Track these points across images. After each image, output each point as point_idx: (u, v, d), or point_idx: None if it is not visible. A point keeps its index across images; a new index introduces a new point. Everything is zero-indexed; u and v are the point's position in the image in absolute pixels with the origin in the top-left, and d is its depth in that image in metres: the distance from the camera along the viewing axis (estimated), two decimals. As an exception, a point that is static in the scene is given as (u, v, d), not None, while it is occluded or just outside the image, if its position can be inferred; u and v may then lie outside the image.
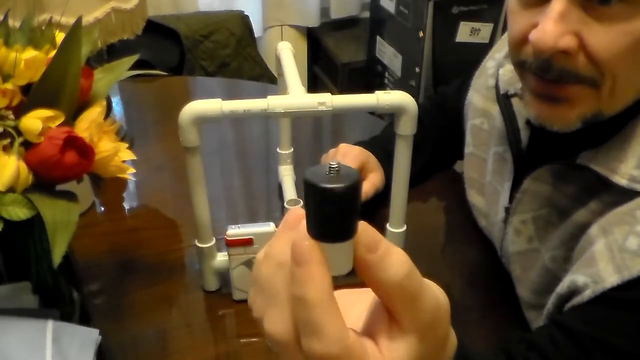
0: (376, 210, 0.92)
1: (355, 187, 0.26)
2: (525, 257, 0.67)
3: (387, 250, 0.28)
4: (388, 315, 0.29)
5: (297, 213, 0.30)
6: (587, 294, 0.53)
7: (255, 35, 1.92)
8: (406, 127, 0.67)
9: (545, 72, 0.53)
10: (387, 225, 0.75)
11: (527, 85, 0.58)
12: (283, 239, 0.30)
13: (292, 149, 0.92)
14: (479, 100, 0.79)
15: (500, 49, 0.77)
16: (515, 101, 0.68)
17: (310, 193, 0.26)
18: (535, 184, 0.64)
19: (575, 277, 0.54)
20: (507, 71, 0.71)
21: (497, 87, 0.72)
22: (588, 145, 0.57)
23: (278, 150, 0.92)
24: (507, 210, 0.69)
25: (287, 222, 0.31)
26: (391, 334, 0.29)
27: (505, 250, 0.71)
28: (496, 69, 0.74)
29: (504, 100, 0.70)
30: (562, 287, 0.56)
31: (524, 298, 0.68)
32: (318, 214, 0.27)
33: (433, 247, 0.86)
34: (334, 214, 0.26)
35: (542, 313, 0.62)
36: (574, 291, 0.55)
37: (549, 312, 0.59)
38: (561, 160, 0.60)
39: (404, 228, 0.75)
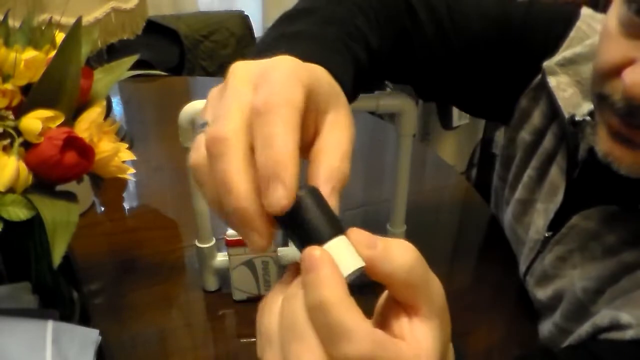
0: (376, 210, 0.92)
1: (309, 193, 0.29)
2: (563, 280, 0.63)
3: (386, 243, 0.28)
4: (402, 308, 0.29)
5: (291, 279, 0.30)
6: (629, 334, 0.51)
7: (255, 35, 1.92)
8: (406, 127, 0.67)
9: (631, 117, 0.47)
10: (387, 225, 0.75)
11: (604, 120, 0.50)
12: (279, 292, 0.30)
13: (292, 149, 0.92)
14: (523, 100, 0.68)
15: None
16: (579, 129, 0.60)
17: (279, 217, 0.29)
18: (584, 222, 0.60)
19: (619, 314, 0.52)
20: (564, 85, 0.61)
21: (554, 102, 0.62)
22: None
23: (278, 150, 0.92)
24: (547, 238, 0.65)
25: (282, 283, 0.31)
26: (412, 324, 0.29)
27: (539, 269, 0.67)
28: (544, 74, 0.63)
29: (569, 127, 0.60)
30: (602, 320, 0.54)
31: (553, 319, 0.65)
32: (294, 228, 0.29)
33: (433, 247, 0.86)
34: (308, 217, 0.29)
35: (563, 332, 0.61)
36: (615, 326, 0.53)
37: (580, 338, 0.57)
38: (620, 204, 0.56)
39: (404, 228, 0.75)
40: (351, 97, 0.48)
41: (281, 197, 0.28)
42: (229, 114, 0.30)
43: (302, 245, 0.29)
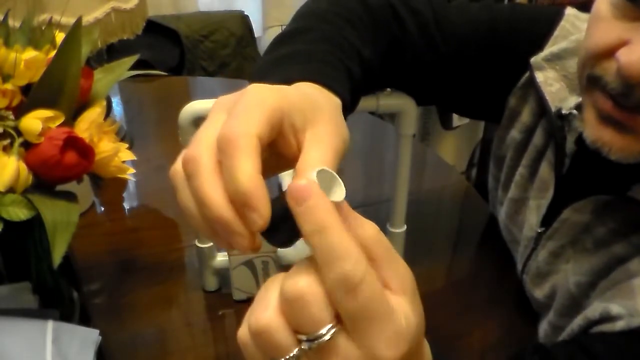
0: (376, 210, 0.92)
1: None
2: (557, 276, 0.63)
3: (357, 216, 0.31)
4: None
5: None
6: (619, 325, 0.50)
7: (255, 35, 1.92)
8: (406, 127, 0.67)
9: (624, 98, 0.46)
10: (387, 226, 0.75)
11: (593, 103, 0.50)
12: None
13: (292, 149, 0.92)
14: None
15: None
16: (565, 122, 0.60)
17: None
18: (576, 215, 0.60)
19: (609, 305, 0.52)
20: (551, 79, 0.62)
21: (542, 98, 0.62)
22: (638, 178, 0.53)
23: (278, 150, 0.92)
24: (540, 234, 0.65)
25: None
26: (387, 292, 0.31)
27: (534, 267, 0.67)
28: (531, 70, 0.64)
29: (557, 120, 0.60)
30: (593, 313, 0.54)
31: (548, 317, 0.65)
32: (276, 233, 0.32)
33: (433, 247, 0.86)
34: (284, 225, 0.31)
35: (557, 329, 0.61)
36: (605, 318, 0.52)
37: (573, 332, 0.57)
38: (610, 193, 0.56)
39: (404, 228, 0.75)
40: (349, 107, 0.50)
41: (255, 220, 0.31)
42: (202, 138, 0.33)
43: (287, 242, 0.32)
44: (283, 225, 0.31)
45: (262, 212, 0.30)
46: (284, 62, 0.50)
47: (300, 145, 0.35)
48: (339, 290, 0.28)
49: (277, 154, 0.37)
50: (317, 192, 0.29)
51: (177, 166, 0.34)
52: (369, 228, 0.31)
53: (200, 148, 0.32)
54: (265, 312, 0.30)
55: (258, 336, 0.30)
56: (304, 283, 0.29)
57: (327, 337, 0.29)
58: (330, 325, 0.29)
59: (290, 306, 0.29)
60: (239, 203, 0.31)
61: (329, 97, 0.44)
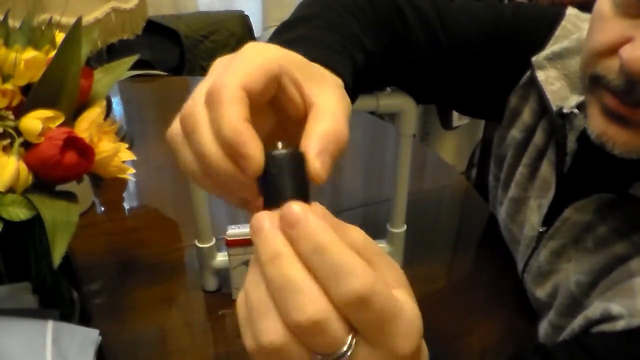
0: (376, 210, 0.92)
1: (284, 156, 0.31)
2: (559, 275, 0.63)
3: (341, 222, 0.31)
4: None
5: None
6: (620, 324, 0.51)
7: (255, 35, 1.92)
8: (406, 127, 0.67)
9: (627, 94, 0.47)
10: (387, 225, 0.75)
11: (597, 99, 0.51)
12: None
13: (292, 149, 0.92)
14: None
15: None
16: (567, 121, 0.61)
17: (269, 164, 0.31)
18: (577, 214, 0.60)
19: (609, 305, 0.52)
20: (553, 78, 0.63)
21: (543, 97, 0.62)
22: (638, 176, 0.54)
23: (278, 150, 0.92)
24: (541, 234, 0.65)
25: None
26: None
27: (535, 266, 0.67)
28: (532, 68, 0.64)
29: (558, 119, 0.61)
30: (594, 312, 0.54)
31: (548, 317, 0.65)
32: (265, 187, 0.31)
33: (433, 247, 0.86)
34: (274, 180, 0.31)
35: (557, 329, 0.61)
36: (606, 318, 0.53)
37: (574, 332, 0.57)
38: (612, 191, 0.56)
39: (404, 228, 0.75)
40: (351, 96, 0.49)
41: (246, 166, 0.30)
42: (197, 95, 0.33)
43: (266, 204, 0.31)
44: (274, 181, 0.31)
45: (251, 155, 0.30)
46: (288, 46, 0.50)
47: (307, 99, 0.35)
48: (351, 307, 0.28)
49: (284, 116, 0.36)
50: (309, 215, 0.29)
51: (175, 128, 0.34)
52: (355, 234, 0.30)
53: (196, 104, 0.33)
54: (278, 331, 0.29)
55: (271, 355, 0.29)
56: (313, 310, 0.27)
57: (349, 354, 0.28)
58: (349, 342, 0.28)
59: (305, 333, 0.28)
60: (230, 152, 0.31)
61: (332, 75, 0.44)
